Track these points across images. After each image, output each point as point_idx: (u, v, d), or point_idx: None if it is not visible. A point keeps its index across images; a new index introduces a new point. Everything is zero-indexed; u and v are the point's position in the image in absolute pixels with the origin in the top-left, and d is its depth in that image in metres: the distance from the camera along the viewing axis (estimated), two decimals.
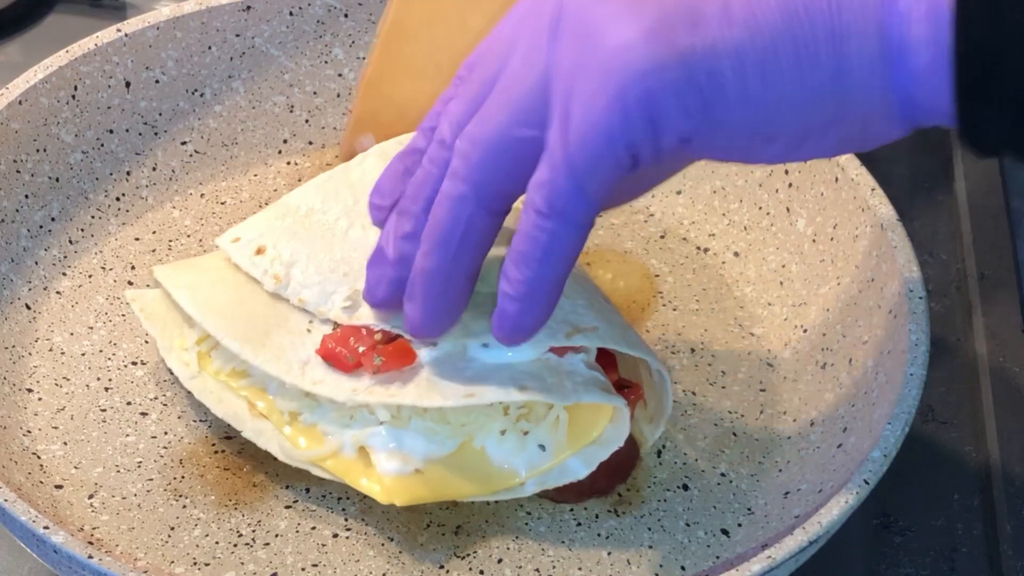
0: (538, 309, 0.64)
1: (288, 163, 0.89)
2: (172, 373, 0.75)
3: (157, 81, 0.86)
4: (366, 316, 0.70)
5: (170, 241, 0.84)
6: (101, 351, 0.78)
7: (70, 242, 0.82)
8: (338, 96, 0.90)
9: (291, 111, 0.90)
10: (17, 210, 0.80)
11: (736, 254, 0.85)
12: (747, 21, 0.58)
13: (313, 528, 0.71)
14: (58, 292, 0.81)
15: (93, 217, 0.84)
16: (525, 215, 0.62)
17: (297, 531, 0.71)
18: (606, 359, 0.72)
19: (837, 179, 0.79)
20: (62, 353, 0.78)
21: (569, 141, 0.60)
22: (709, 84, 0.58)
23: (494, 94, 0.63)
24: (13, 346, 0.77)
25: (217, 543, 0.71)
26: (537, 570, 0.70)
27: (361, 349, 0.70)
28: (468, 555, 0.71)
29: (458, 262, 0.65)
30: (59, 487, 0.72)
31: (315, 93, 0.90)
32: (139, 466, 0.74)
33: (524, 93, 0.61)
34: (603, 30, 0.59)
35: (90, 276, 0.82)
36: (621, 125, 0.59)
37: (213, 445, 0.75)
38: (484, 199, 0.63)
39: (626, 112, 0.58)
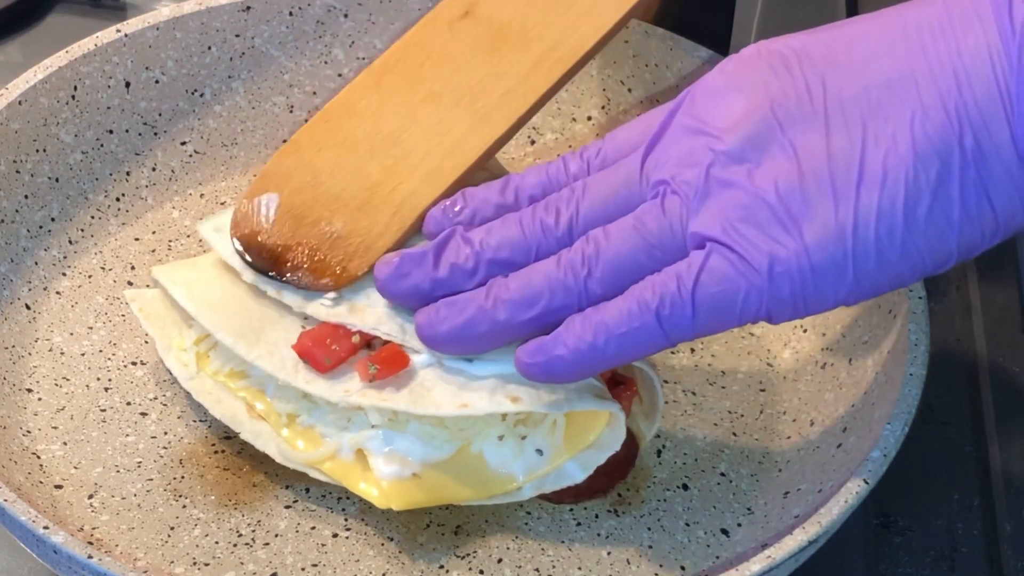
0: (575, 371, 0.65)
1: None
2: (172, 373, 0.75)
3: (157, 81, 0.86)
4: (344, 315, 0.70)
5: (170, 241, 0.84)
6: (101, 351, 0.78)
7: (70, 242, 0.82)
8: None
9: (291, 111, 0.90)
10: (17, 210, 0.80)
11: None
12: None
13: (313, 528, 0.71)
14: (58, 292, 0.81)
15: (93, 217, 0.84)
16: (637, 298, 0.63)
17: (297, 531, 0.71)
18: None
19: None
20: (62, 353, 0.78)
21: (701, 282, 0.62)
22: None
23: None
24: (13, 346, 0.77)
25: (217, 543, 0.71)
26: (537, 570, 0.70)
27: (337, 349, 0.70)
28: (468, 555, 0.71)
29: (518, 331, 0.66)
30: (59, 487, 0.72)
31: (315, 93, 0.90)
32: (139, 466, 0.73)
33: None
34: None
35: (90, 276, 0.82)
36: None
37: (213, 445, 0.75)
38: (591, 299, 0.65)
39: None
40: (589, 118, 0.90)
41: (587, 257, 0.65)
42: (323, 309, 0.71)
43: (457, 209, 0.71)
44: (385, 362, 0.69)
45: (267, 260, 0.72)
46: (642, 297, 0.63)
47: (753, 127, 0.62)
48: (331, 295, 0.72)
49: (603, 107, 0.89)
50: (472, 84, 0.76)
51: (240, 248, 0.72)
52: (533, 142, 0.90)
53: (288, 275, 0.71)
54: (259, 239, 0.73)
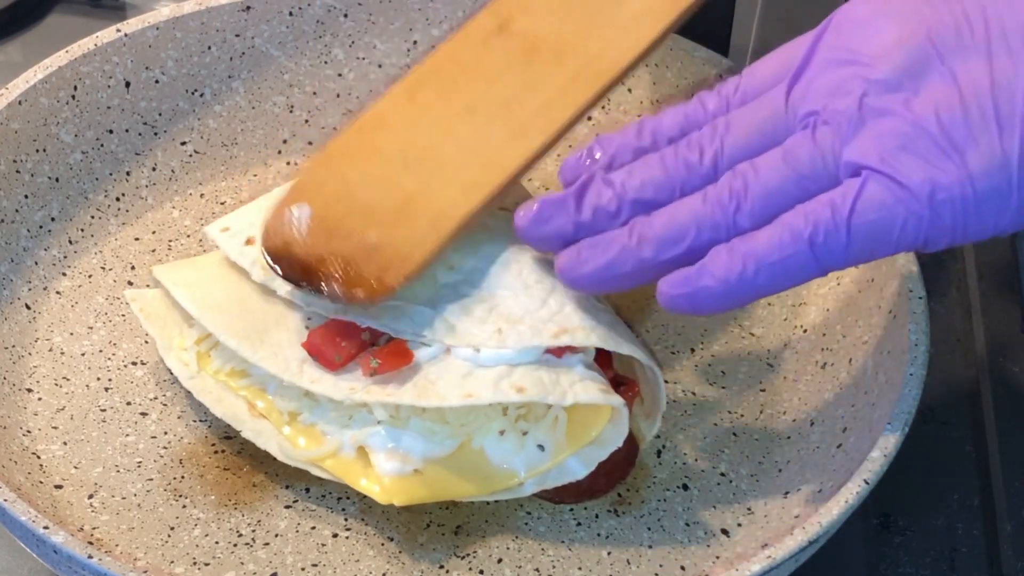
0: (723, 302, 0.64)
1: (288, 163, 0.89)
2: (172, 373, 0.75)
3: (157, 81, 0.86)
4: (353, 312, 0.71)
5: (170, 241, 0.84)
6: (101, 351, 0.78)
7: (70, 242, 0.82)
8: (338, 96, 0.90)
9: (291, 111, 0.90)
10: (17, 210, 0.80)
11: None
12: None
13: (313, 528, 0.71)
14: (58, 292, 0.81)
15: (93, 217, 0.84)
16: (789, 226, 0.62)
17: (297, 531, 0.71)
18: (602, 356, 0.72)
19: None
20: (62, 353, 0.78)
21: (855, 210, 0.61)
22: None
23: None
24: (13, 346, 0.77)
25: (217, 543, 0.71)
26: (537, 570, 0.70)
27: (346, 346, 0.70)
28: (468, 555, 0.71)
29: (662, 268, 0.65)
30: (59, 487, 0.72)
31: (315, 93, 0.90)
32: (139, 466, 0.73)
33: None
34: None
35: (90, 276, 0.82)
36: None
37: (213, 445, 0.75)
38: (740, 234, 0.64)
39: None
40: (589, 118, 0.89)
41: (735, 192, 0.64)
42: (331, 306, 0.71)
43: (596, 156, 0.70)
44: (387, 357, 0.69)
45: (300, 271, 0.70)
46: (794, 225, 0.62)
47: (908, 55, 0.62)
48: None
49: (603, 107, 0.89)
50: (508, 97, 0.75)
51: (271, 260, 0.71)
52: None
53: (322, 286, 0.69)
54: (291, 250, 0.71)
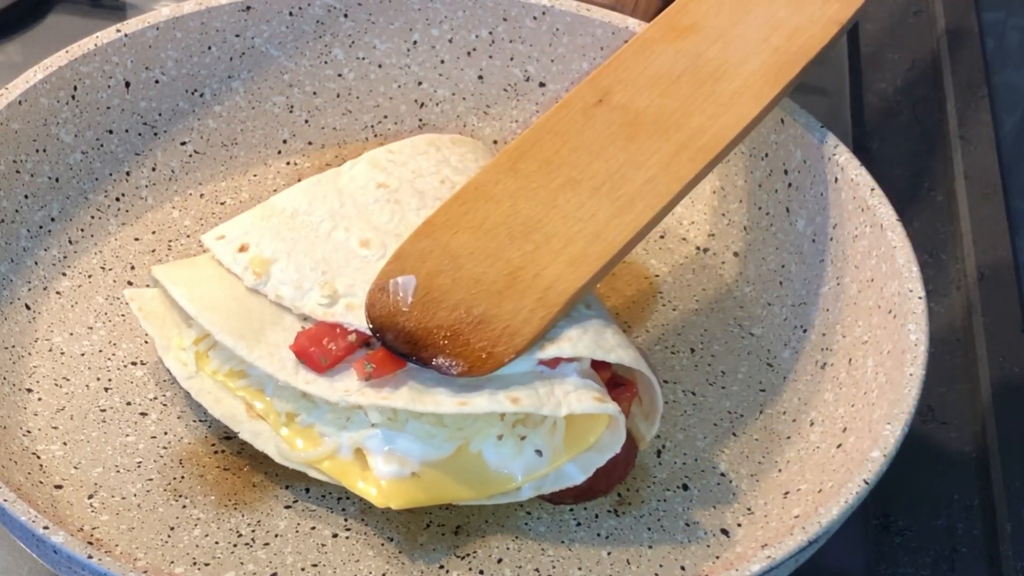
0: None
1: (288, 163, 0.89)
2: (171, 373, 0.75)
3: (157, 81, 0.86)
4: (341, 314, 0.71)
5: (170, 241, 0.84)
6: (101, 351, 0.78)
7: (70, 242, 0.82)
8: (338, 96, 0.90)
9: (291, 111, 0.90)
10: (17, 210, 0.80)
11: (736, 254, 0.85)
12: None
13: (313, 528, 0.71)
14: (58, 292, 0.81)
15: (93, 217, 0.84)
16: None
17: (297, 531, 0.71)
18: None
19: (837, 179, 0.79)
20: (62, 353, 0.78)
21: None
22: None
23: None
24: (13, 346, 0.77)
25: (217, 543, 0.71)
26: (537, 570, 0.70)
27: (333, 348, 0.70)
28: (468, 555, 0.71)
29: None
30: (59, 487, 0.72)
31: (315, 93, 0.90)
32: (139, 466, 0.74)
33: None
34: None
35: (90, 276, 0.82)
36: None
37: (213, 445, 0.75)
38: None
39: None
40: None
41: None
42: (319, 308, 0.71)
43: None
44: (381, 361, 0.69)
45: (406, 343, 0.69)
46: None
47: None
48: (325, 296, 0.72)
49: None
50: (611, 171, 0.75)
51: (375, 329, 0.70)
52: None
53: (430, 360, 0.68)
54: (397, 321, 0.70)
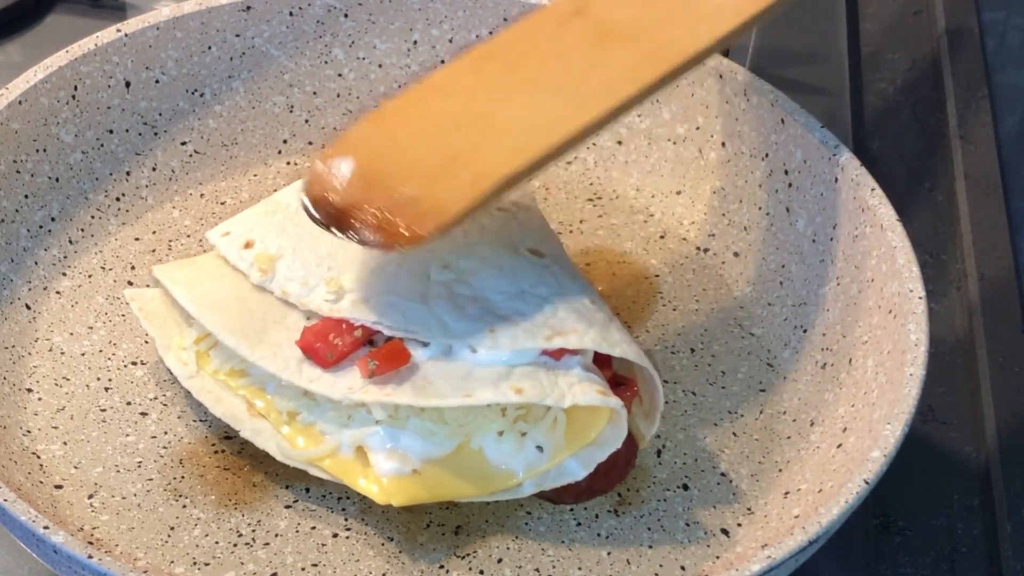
0: None
1: (288, 163, 0.89)
2: (172, 373, 0.75)
3: (157, 81, 0.86)
4: (347, 310, 0.71)
5: (170, 241, 0.84)
6: (101, 351, 0.78)
7: (70, 242, 0.82)
8: (338, 96, 0.90)
9: (291, 111, 0.90)
10: (17, 210, 0.80)
11: (736, 254, 0.85)
12: None
13: (313, 528, 0.71)
14: (58, 292, 0.81)
15: (93, 217, 0.84)
16: None
17: (297, 531, 0.71)
18: (601, 356, 0.72)
19: (837, 179, 0.79)
20: (62, 353, 0.78)
21: None
22: None
23: None
24: (13, 346, 0.77)
25: (217, 543, 0.71)
26: (537, 570, 0.70)
27: (339, 344, 0.70)
28: (468, 555, 0.71)
29: None
30: (59, 487, 0.72)
31: (315, 93, 0.90)
32: (139, 466, 0.74)
33: None
34: None
35: (90, 276, 0.82)
36: None
37: (213, 445, 0.75)
38: None
39: None
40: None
41: None
42: (326, 304, 0.71)
43: None
44: (385, 358, 0.69)
45: (332, 217, 0.69)
46: None
47: None
48: (331, 292, 0.72)
49: None
50: (573, 74, 0.73)
51: (307, 203, 0.69)
52: None
53: (350, 232, 0.68)
54: (328, 197, 0.69)
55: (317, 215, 0.69)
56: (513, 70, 0.74)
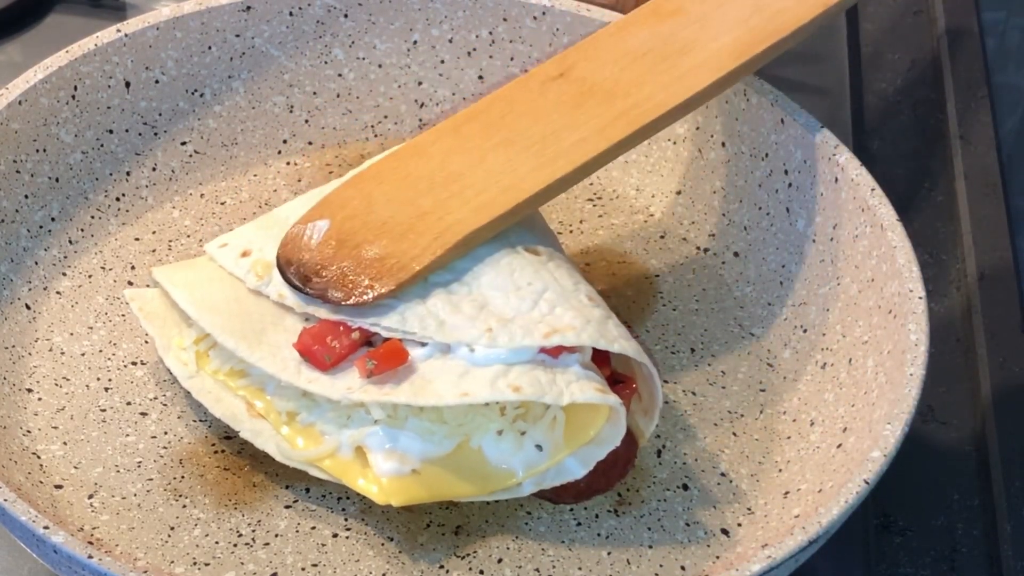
0: None
1: (288, 163, 0.89)
2: (172, 373, 0.75)
3: (157, 81, 0.86)
4: (344, 312, 0.71)
5: (170, 241, 0.84)
6: (101, 351, 0.78)
7: (70, 242, 0.82)
8: (338, 96, 0.90)
9: (291, 111, 0.90)
10: (17, 210, 0.80)
11: (736, 254, 0.85)
12: None
13: (313, 528, 0.71)
14: (58, 292, 0.81)
15: (93, 217, 0.84)
16: None
17: (297, 531, 0.71)
18: (599, 355, 0.72)
19: (837, 179, 0.79)
20: (62, 353, 0.78)
21: None
22: None
23: None
24: (13, 346, 0.77)
25: (217, 543, 0.71)
26: (537, 570, 0.70)
27: (336, 346, 0.70)
28: (468, 555, 0.71)
29: None
30: (59, 487, 0.72)
31: (315, 93, 0.90)
32: (139, 466, 0.74)
33: None
34: None
35: (90, 276, 0.82)
36: None
37: (213, 445, 0.75)
38: None
39: None
40: None
41: None
42: (323, 308, 0.71)
43: None
44: (383, 357, 0.69)
45: (300, 277, 0.72)
46: None
47: None
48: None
49: None
50: (547, 133, 0.76)
51: (281, 264, 0.73)
52: None
53: (316, 288, 0.71)
54: (300, 257, 0.73)
55: (287, 273, 0.72)
56: (492, 131, 0.77)
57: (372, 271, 0.71)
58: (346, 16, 0.89)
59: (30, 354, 0.78)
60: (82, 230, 0.83)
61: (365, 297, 0.70)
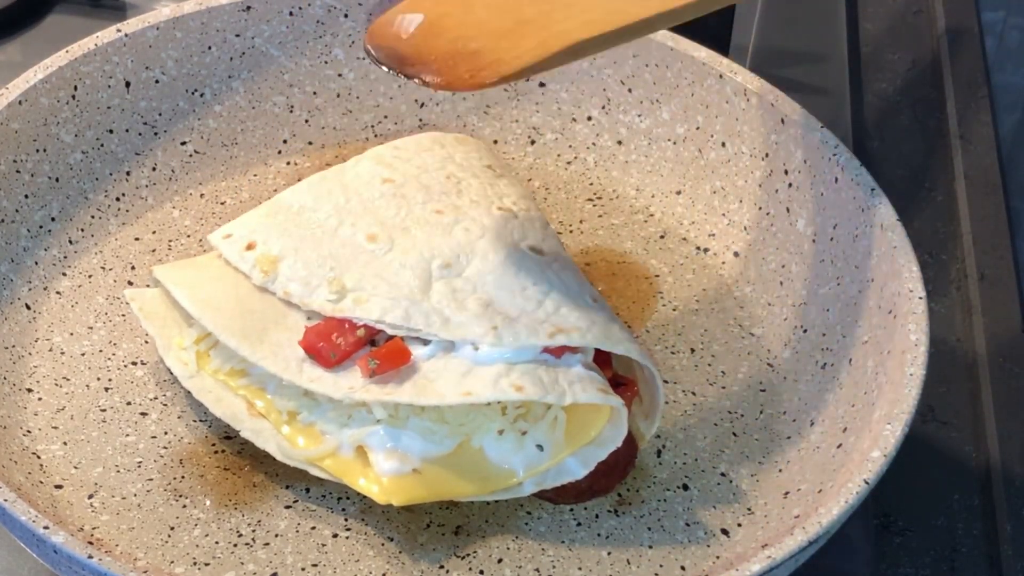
0: None
1: (288, 163, 0.89)
2: (172, 373, 0.75)
3: (157, 81, 0.86)
4: (350, 309, 0.71)
5: (170, 241, 0.84)
6: (101, 351, 0.78)
7: (70, 242, 0.82)
8: (338, 96, 0.90)
9: (291, 111, 0.90)
10: (17, 210, 0.80)
11: (736, 254, 0.85)
12: None
13: (313, 528, 0.71)
14: (58, 292, 0.81)
15: (93, 217, 0.84)
16: None
17: (297, 531, 0.71)
18: (601, 356, 0.72)
19: (837, 179, 0.79)
20: (62, 353, 0.78)
21: None
22: None
23: None
24: (13, 346, 0.77)
25: (217, 543, 0.71)
26: (537, 570, 0.70)
27: (341, 343, 0.70)
28: (468, 555, 0.71)
29: None
30: (59, 487, 0.72)
31: (315, 93, 0.90)
32: (139, 466, 0.74)
33: None
34: None
35: (90, 276, 0.82)
36: None
37: (213, 445, 0.75)
38: None
39: None
40: (589, 118, 0.90)
41: None
42: (328, 304, 0.72)
43: None
44: (385, 357, 0.69)
45: (395, 60, 0.69)
46: None
47: None
48: (334, 292, 0.72)
49: (603, 107, 0.89)
50: None
51: (370, 48, 0.69)
52: (533, 142, 0.90)
53: (410, 70, 0.68)
54: (392, 44, 0.69)
55: (378, 57, 0.69)
56: None
57: (470, 64, 0.68)
58: (346, 16, 0.89)
59: (30, 354, 0.78)
60: (82, 230, 0.83)
61: (463, 82, 0.67)
